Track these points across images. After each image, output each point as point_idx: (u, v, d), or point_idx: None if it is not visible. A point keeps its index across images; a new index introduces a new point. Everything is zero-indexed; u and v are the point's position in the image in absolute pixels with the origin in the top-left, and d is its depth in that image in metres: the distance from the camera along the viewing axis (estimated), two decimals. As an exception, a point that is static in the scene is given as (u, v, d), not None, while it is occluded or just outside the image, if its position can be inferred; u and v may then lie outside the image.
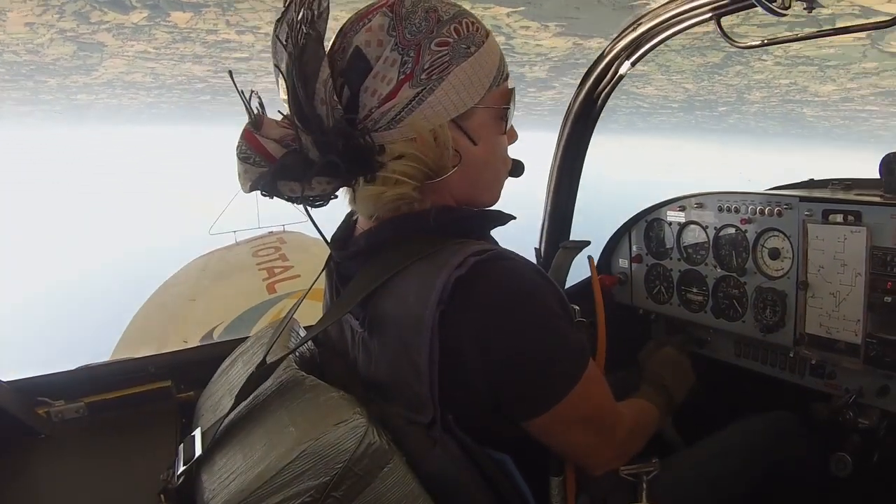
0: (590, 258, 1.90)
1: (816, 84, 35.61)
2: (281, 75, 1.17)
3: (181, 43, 23.33)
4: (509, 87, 1.34)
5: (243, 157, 1.18)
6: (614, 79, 2.54)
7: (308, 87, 1.14)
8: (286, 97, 1.18)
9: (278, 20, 1.16)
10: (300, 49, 1.12)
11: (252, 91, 1.21)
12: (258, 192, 1.23)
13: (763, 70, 31.25)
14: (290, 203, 1.25)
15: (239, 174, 1.20)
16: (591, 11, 17.90)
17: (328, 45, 1.23)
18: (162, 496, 1.29)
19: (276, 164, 1.17)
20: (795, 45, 23.05)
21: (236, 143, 1.19)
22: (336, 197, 1.30)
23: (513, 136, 1.40)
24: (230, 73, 1.24)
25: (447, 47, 1.20)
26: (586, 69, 2.58)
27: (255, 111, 1.19)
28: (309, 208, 1.28)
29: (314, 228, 1.38)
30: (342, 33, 1.23)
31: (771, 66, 29.28)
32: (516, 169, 1.46)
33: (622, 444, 1.41)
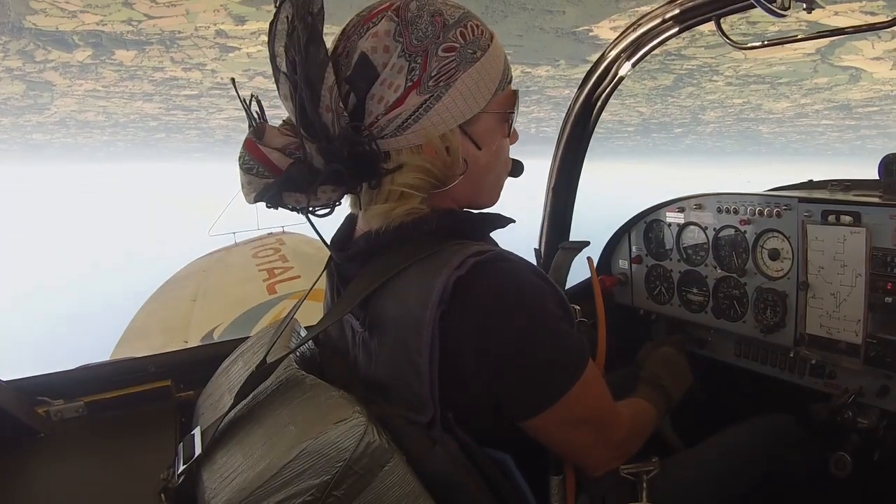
0: (589, 259, 1.91)
1: (770, 101, 36.41)
2: (284, 80, 1.16)
3: (129, 81, 23.38)
4: (513, 89, 1.34)
5: (246, 168, 1.16)
6: (614, 80, 2.53)
7: (313, 93, 1.12)
8: (290, 104, 1.17)
9: (272, 22, 1.14)
10: (303, 54, 1.10)
11: (252, 96, 1.19)
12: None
13: (715, 90, 31.79)
14: (293, 213, 1.23)
15: (242, 185, 1.19)
16: (533, 38, 18.13)
17: (329, 47, 1.21)
18: (162, 495, 1.29)
19: (282, 176, 1.15)
20: (746, 63, 23.55)
21: (238, 154, 1.17)
22: (340, 204, 1.29)
23: (514, 138, 1.40)
24: (233, 80, 1.25)
25: (454, 53, 1.18)
26: (587, 70, 2.58)
27: (256, 118, 1.18)
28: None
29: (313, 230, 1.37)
30: (345, 36, 1.21)
31: (722, 86, 29.82)
32: (516, 169, 1.46)
33: (620, 445, 1.41)
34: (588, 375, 1.23)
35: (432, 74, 1.16)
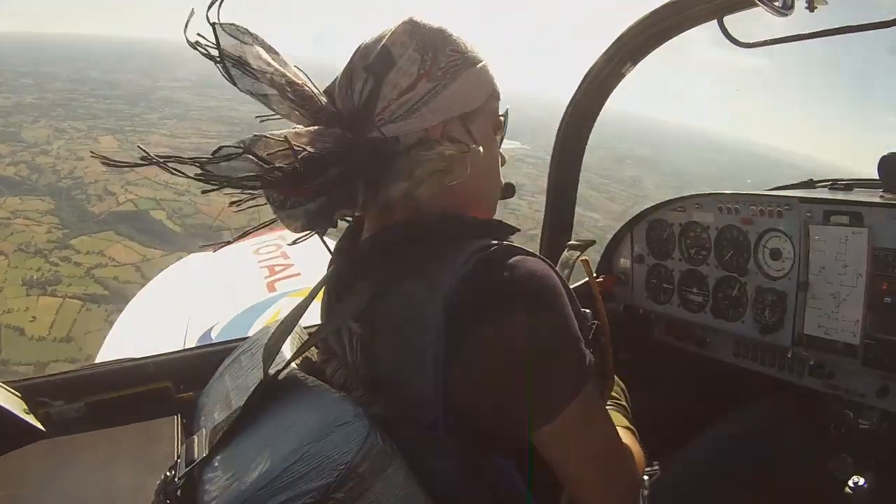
0: (584, 261, 1.88)
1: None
2: (277, 99, 1.26)
3: None
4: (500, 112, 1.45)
5: (279, 205, 1.25)
6: (615, 78, 2.52)
7: (310, 90, 1.25)
8: (296, 114, 1.28)
9: (238, 66, 1.23)
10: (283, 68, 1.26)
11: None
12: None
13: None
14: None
15: (284, 222, 1.27)
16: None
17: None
18: (163, 497, 1.29)
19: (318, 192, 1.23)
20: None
21: (268, 196, 1.25)
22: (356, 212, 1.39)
23: (503, 160, 1.48)
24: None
25: (458, 54, 1.31)
26: (588, 69, 2.56)
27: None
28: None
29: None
30: (361, 48, 1.33)
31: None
32: (507, 190, 1.54)
33: (625, 495, 1.33)
34: (591, 391, 1.22)
35: (441, 66, 1.28)
